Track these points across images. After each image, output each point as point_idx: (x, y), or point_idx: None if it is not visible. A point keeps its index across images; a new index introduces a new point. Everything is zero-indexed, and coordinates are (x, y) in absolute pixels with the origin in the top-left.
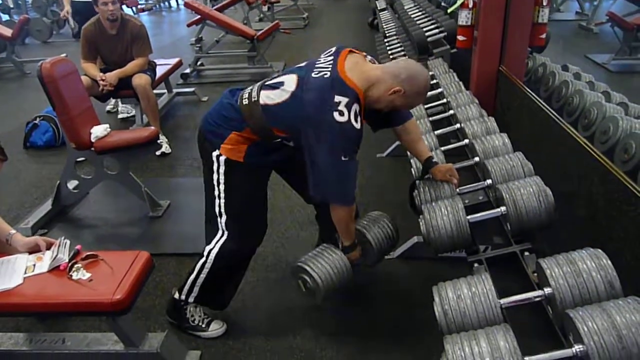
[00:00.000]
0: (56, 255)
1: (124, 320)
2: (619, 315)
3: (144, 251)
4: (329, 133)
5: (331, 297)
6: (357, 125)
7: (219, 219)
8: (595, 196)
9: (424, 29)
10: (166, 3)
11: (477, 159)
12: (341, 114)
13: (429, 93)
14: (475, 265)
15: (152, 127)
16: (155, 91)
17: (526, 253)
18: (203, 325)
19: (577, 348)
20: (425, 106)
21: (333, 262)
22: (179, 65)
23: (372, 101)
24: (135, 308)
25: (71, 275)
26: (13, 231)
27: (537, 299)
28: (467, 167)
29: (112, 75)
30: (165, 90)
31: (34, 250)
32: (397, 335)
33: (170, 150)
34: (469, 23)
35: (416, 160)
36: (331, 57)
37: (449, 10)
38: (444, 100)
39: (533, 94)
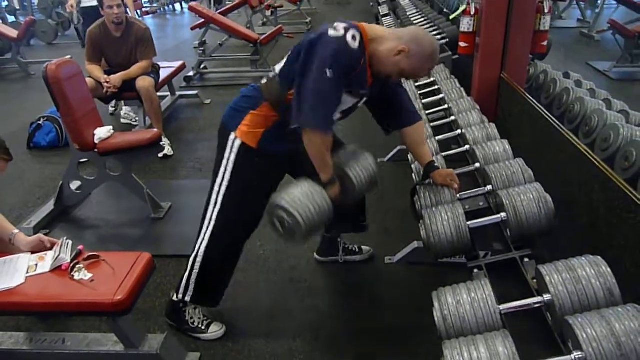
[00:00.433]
0: (58, 255)
1: (124, 321)
2: (618, 323)
3: (145, 252)
4: (320, 46)
5: (329, 297)
6: (353, 45)
7: (210, 208)
8: (595, 203)
9: None
10: (171, 6)
11: (477, 165)
12: (336, 29)
13: (430, 99)
14: (475, 271)
15: (155, 129)
16: (158, 94)
17: (526, 259)
18: (202, 327)
19: (576, 355)
20: (427, 112)
21: (313, 198)
22: (182, 68)
23: (378, 59)
24: (135, 309)
25: (73, 276)
26: (16, 231)
27: (537, 306)
28: (468, 173)
29: (117, 78)
30: (169, 93)
31: (36, 249)
32: (396, 339)
33: (172, 153)
34: (471, 30)
35: (417, 164)
36: None
37: (451, 17)
38: (445, 106)
39: (534, 100)
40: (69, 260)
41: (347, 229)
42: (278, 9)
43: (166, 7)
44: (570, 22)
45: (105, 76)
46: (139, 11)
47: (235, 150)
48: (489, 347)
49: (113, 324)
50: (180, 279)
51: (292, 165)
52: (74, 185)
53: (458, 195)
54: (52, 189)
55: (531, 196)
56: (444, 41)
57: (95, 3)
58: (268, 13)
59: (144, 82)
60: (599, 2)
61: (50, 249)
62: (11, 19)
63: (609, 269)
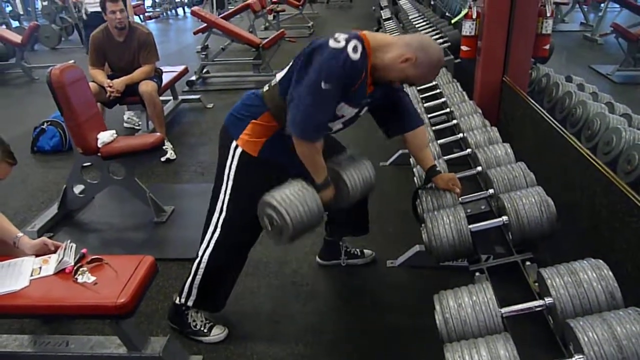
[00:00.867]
0: (62, 259)
1: (127, 324)
2: (619, 326)
3: (148, 256)
4: (318, 56)
5: (331, 301)
6: (354, 57)
7: (216, 214)
8: (597, 207)
9: None
10: (173, 11)
11: (479, 168)
12: (337, 41)
13: (432, 103)
14: (477, 274)
15: (158, 134)
16: (161, 98)
17: (528, 263)
18: (205, 330)
19: (578, 358)
20: (429, 115)
21: (304, 199)
22: (185, 72)
23: (382, 66)
24: (138, 312)
25: (76, 279)
26: (20, 234)
27: (538, 309)
28: (470, 176)
29: (120, 82)
30: (171, 97)
31: (40, 252)
32: (398, 343)
33: (175, 157)
34: (472, 33)
35: (419, 168)
36: None
37: (453, 21)
38: (447, 110)
39: (536, 104)
40: (72, 264)
41: (349, 233)
42: (280, 13)
43: (169, 12)
44: (574, 25)
45: (109, 80)
46: (141, 16)
47: (236, 158)
48: (490, 350)
49: (116, 327)
50: (183, 283)
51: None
52: (78, 189)
53: (460, 199)
54: (55, 192)
55: (533, 200)
56: (445, 45)
57: (98, 8)
58: (270, 17)
59: (147, 87)
60: (602, 5)
61: (54, 252)
62: (15, 24)
63: (610, 273)
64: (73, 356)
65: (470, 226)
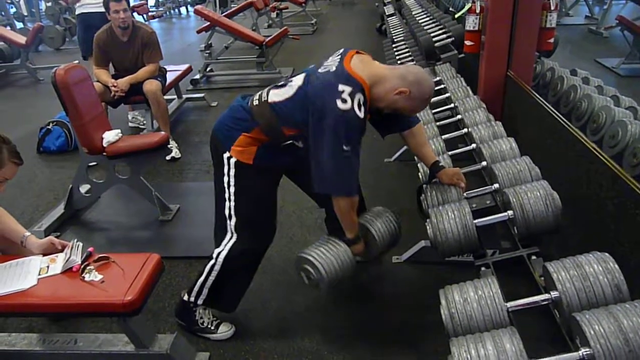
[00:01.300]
0: (69, 257)
1: (134, 322)
2: (625, 319)
3: (154, 254)
4: (332, 119)
5: (337, 297)
6: (361, 114)
7: (228, 221)
8: (603, 201)
9: (432, 34)
10: (176, 10)
11: (484, 163)
12: (344, 101)
13: (436, 98)
14: (482, 268)
15: (163, 132)
16: (165, 97)
17: (533, 257)
18: (212, 328)
19: (584, 351)
20: (433, 111)
21: (337, 254)
22: (188, 71)
23: (375, 98)
24: (145, 310)
25: (83, 277)
26: (28, 233)
27: (544, 303)
28: (475, 171)
29: (124, 82)
30: (176, 96)
31: (47, 252)
32: (404, 337)
33: (180, 155)
34: (476, 28)
35: (423, 164)
36: (338, 56)
37: (456, 16)
38: (452, 105)
39: (541, 98)
40: (79, 262)
41: None
42: (283, 10)
43: (172, 11)
44: (578, 18)
45: (113, 80)
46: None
47: (232, 167)
48: (496, 344)
49: (123, 325)
50: (193, 282)
51: (294, 174)
52: (84, 188)
53: (465, 194)
54: (62, 192)
55: (538, 194)
56: (449, 40)
57: (92, 10)
58: (273, 15)
59: (151, 86)
60: None
61: (61, 251)
62: (19, 25)
63: (616, 266)
64: (81, 354)
65: (476, 221)
